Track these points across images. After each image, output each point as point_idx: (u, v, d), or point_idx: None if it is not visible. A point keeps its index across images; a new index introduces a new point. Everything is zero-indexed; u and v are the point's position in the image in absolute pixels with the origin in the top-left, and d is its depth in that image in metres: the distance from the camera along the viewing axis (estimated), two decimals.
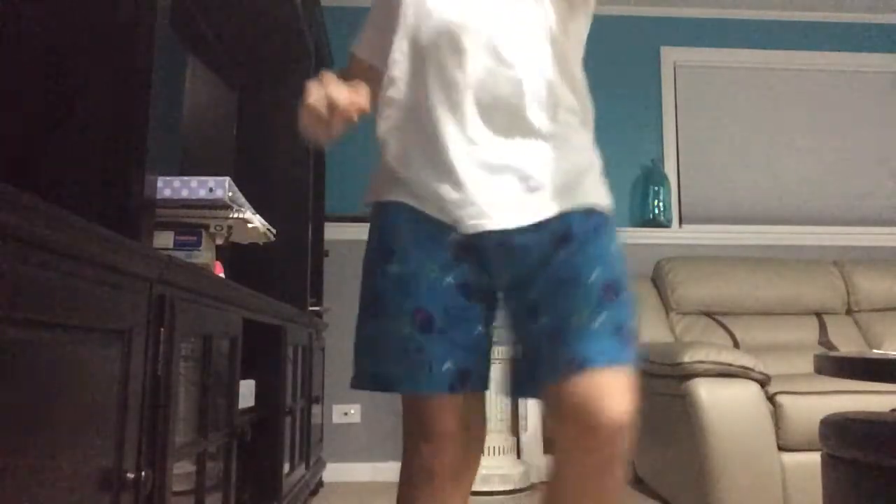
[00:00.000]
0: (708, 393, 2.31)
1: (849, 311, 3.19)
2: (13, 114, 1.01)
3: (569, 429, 0.93)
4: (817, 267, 3.19)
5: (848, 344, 3.02)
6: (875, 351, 2.86)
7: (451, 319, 1.01)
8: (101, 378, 0.80)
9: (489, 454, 2.89)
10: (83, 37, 1.04)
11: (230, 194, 1.46)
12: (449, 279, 1.01)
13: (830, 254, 3.51)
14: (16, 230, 0.61)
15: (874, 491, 1.51)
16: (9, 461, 0.61)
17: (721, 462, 2.25)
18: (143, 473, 0.87)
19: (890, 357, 1.43)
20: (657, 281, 3.18)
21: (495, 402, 2.95)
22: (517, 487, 2.86)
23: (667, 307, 3.10)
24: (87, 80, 1.03)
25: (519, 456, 3.11)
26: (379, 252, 1.07)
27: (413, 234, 1.03)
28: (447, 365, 1.01)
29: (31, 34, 1.03)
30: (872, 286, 3.17)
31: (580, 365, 0.91)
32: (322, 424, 3.00)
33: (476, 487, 2.80)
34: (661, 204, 3.46)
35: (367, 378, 1.06)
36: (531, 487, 2.97)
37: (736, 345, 2.96)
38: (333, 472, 3.18)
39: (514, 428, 3.14)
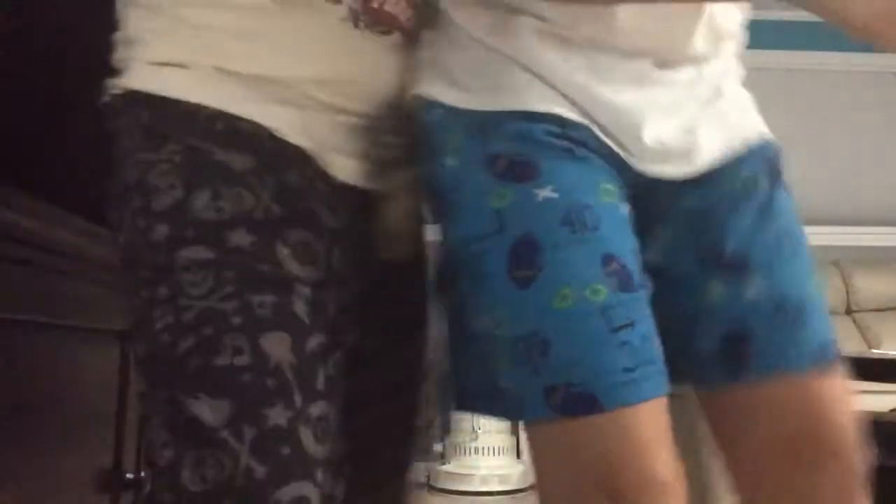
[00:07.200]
0: None
1: (848, 311, 3.19)
2: (13, 114, 1.01)
3: (802, 441, 0.70)
4: (817, 267, 3.18)
5: (847, 344, 3.01)
6: (875, 351, 2.86)
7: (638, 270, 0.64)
8: (101, 378, 0.80)
9: (489, 454, 2.89)
10: (83, 36, 1.04)
11: None
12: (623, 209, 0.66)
13: (830, 254, 3.51)
14: (16, 230, 0.61)
15: (874, 491, 1.51)
16: (9, 461, 0.61)
17: (720, 461, 2.25)
18: (142, 473, 0.87)
19: (890, 357, 1.43)
20: None
21: None
22: (517, 487, 2.86)
23: None
24: (88, 80, 1.03)
25: (519, 456, 3.11)
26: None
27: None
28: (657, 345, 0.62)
29: (30, 33, 1.03)
30: (872, 286, 3.17)
31: (826, 354, 0.70)
32: None
33: (475, 487, 2.80)
34: None
35: (538, 392, 0.60)
36: (531, 487, 2.97)
37: None
38: None
39: (514, 428, 3.14)
